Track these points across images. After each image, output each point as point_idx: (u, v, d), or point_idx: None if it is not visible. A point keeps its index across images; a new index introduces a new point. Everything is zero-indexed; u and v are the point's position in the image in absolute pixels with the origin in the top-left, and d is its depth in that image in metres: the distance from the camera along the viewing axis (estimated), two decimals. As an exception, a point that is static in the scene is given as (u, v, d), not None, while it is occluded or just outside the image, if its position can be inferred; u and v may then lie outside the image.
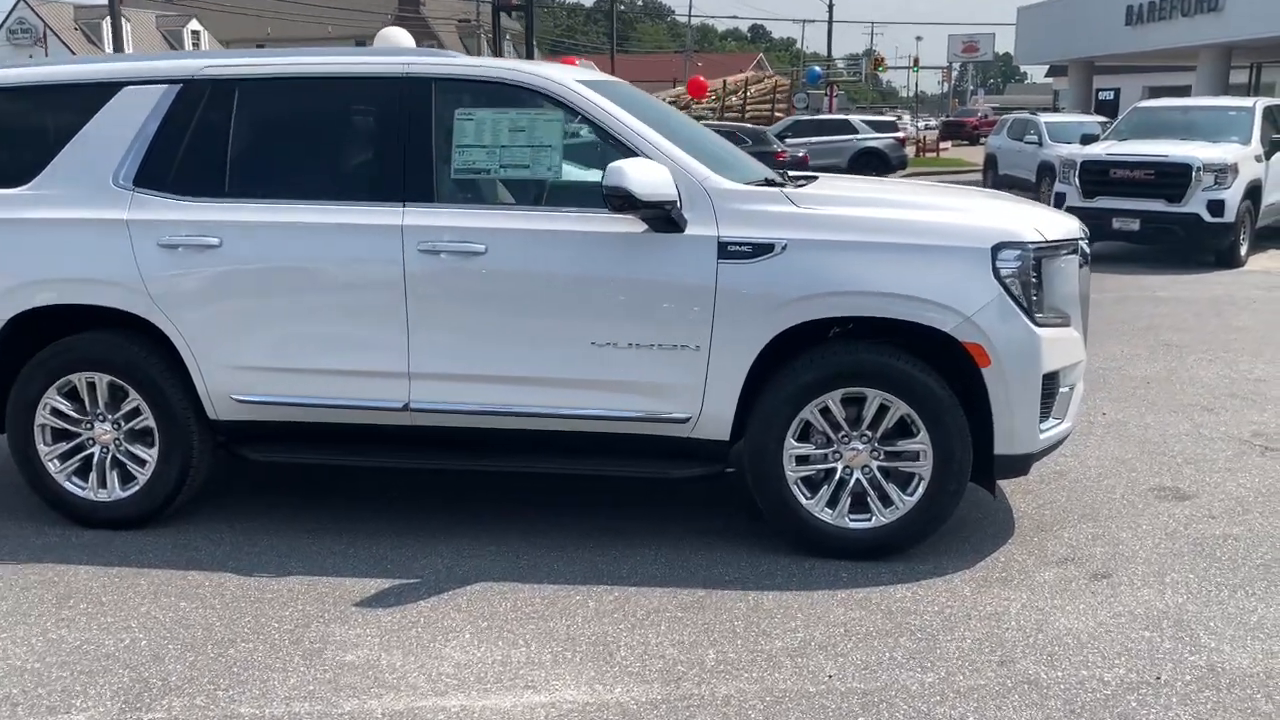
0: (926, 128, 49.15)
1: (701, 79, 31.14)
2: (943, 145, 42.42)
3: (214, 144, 4.34)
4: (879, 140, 27.04)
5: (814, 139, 26.14)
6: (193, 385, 4.37)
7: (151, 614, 3.77)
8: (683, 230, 4.04)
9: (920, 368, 4.00)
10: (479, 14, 59.01)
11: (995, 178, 20.92)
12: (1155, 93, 29.18)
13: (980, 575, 4.04)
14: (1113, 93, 36.60)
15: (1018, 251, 3.97)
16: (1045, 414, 4.15)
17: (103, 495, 4.50)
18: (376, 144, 4.31)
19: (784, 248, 4.01)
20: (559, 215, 4.15)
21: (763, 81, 36.83)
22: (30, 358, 4.46)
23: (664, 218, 4.00)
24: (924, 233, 4.01)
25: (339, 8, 63.13)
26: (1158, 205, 11.88)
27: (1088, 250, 4.46)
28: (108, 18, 46.32)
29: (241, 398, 4.36)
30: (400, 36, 12.52)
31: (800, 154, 22.66)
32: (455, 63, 4.33)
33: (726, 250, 4.02)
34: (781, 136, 26.09)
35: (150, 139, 4.37)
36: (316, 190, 4.30)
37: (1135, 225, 12.01)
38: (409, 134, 4.23)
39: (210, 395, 4.38)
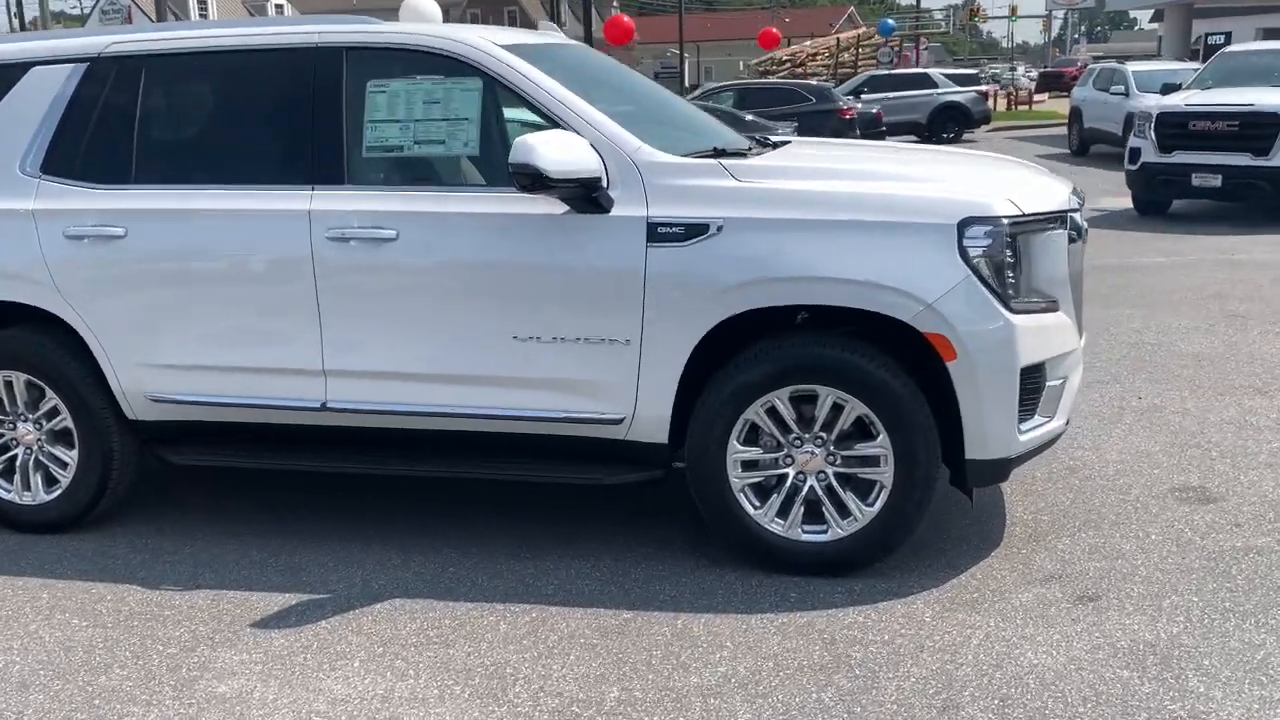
0: (1024, 77, 47.00)
1: (774, 30, 30.30)
2: (1038, 97, 40.64)
3: (121, 126, 4.05)
4: (960, 94, 25.88)
5: (890, 94, 25.14)
6: (108, 384, 4.12)
7: (39, 634, 3.53)
8: (608, 211, 3.61)
9: (878, 362, 3.51)
10: (559, -24, 58.36)
11: (1080, 131, 19.82)
12: (1271, 35, 27.23)
13: (948, 596, 3.56)
14: (1223, 37, 34.44)
15: (988, 228, 3.44)
16: (1028, 412, 3.62)
17: (26, 498, 4.30)
18: (286, 121, 3.96)
19: (720, 228, 3.55)
20: (475, 196, 3.76)
21: (847, 44, 35.61)
22: (-49, 355, 4.26)
23: (584, 197, 3.57)
24: (880, 208, 3.50)
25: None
26: (1242, 159, 10.92)
27: (1082, 222, 3.89)
28: (194, -6, 47.20)
29: (157, 396, 4.10)
30: (425, 6, 12.16)
31: (874, 110, 21.83)
32: (367, 29, 3.95)
33: (656, 232, 3.58)
34: (856, 93, 25.19)
35: (57, 123, 4.10)
36: (224, 174, 3.98)
37: (1217, 181, 11.07)
38: (319, 110, 3.88)
39: (125, 394, 4.12)
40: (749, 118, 14.94)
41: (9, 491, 4.31)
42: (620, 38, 21.56)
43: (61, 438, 4.24)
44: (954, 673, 3.10)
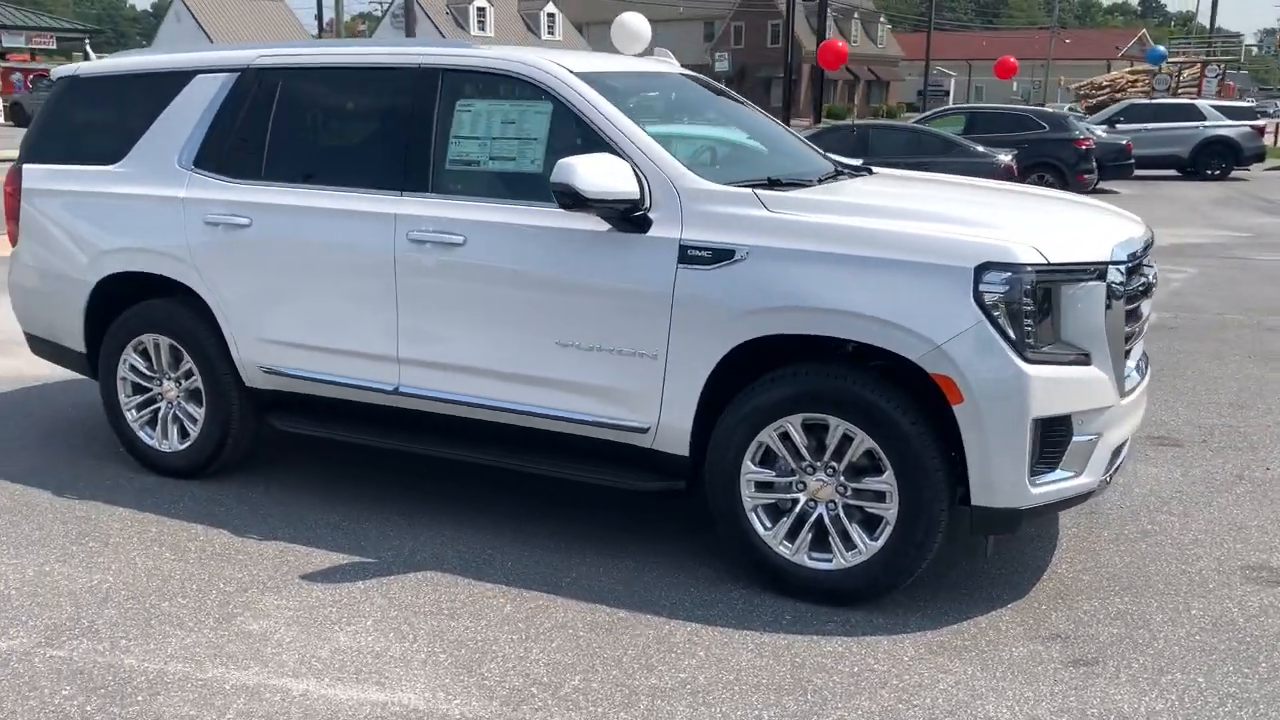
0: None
1: (1011, 60, 29.33)
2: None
3: (257, 129, 4.63)
4: (1230, 128, 23.99)
5: (1149, 125, 23.65)
6: (230, 353, 4.71)
7: (134, 560, 4.12)
8: (646, 231, 3.82)
9: (888, 398, 3.54)
10: (824, -8, 58.19)
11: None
12: None
13: (940, 640, 3.54)
14: None
15: (1007, 274, 3.40)
16: (1049, 465, 3.55)
17: (165, 446, 4.97)
18: (388, 133, 4.41)
19: (746, 255, 3.68)
20: (534, 210, 4.05)
21: (1129, 79, 33.78)
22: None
23: (623, 216, 3.80)
24: (900, 247, 3.53)
25: (691, -12, 64.69)
26: None
27: (1150, 276, 3.75)
28: (474, 2, 50.40)
29: (267, 368, 4.65)
30: (636, 22, 12.83)
31: (1123, 142, 20.65)
32: (461, 53, 4.33)
33: (687, 254, 3.76)
34: (1111, 122, 23.89)
35: (209, 124, 4.73)
36: (335, 177, 4.46)
37: None
38: (414, 124, 4.29)
39: (243, 363, 4.70)
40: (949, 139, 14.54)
41: (152, 438, 5.00)
42: (831, 62, 21.43)
43: (194, 396, 4.88)
44: (903, 712, 3.12)
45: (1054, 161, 17.08)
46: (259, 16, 51.57)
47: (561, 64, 4.18)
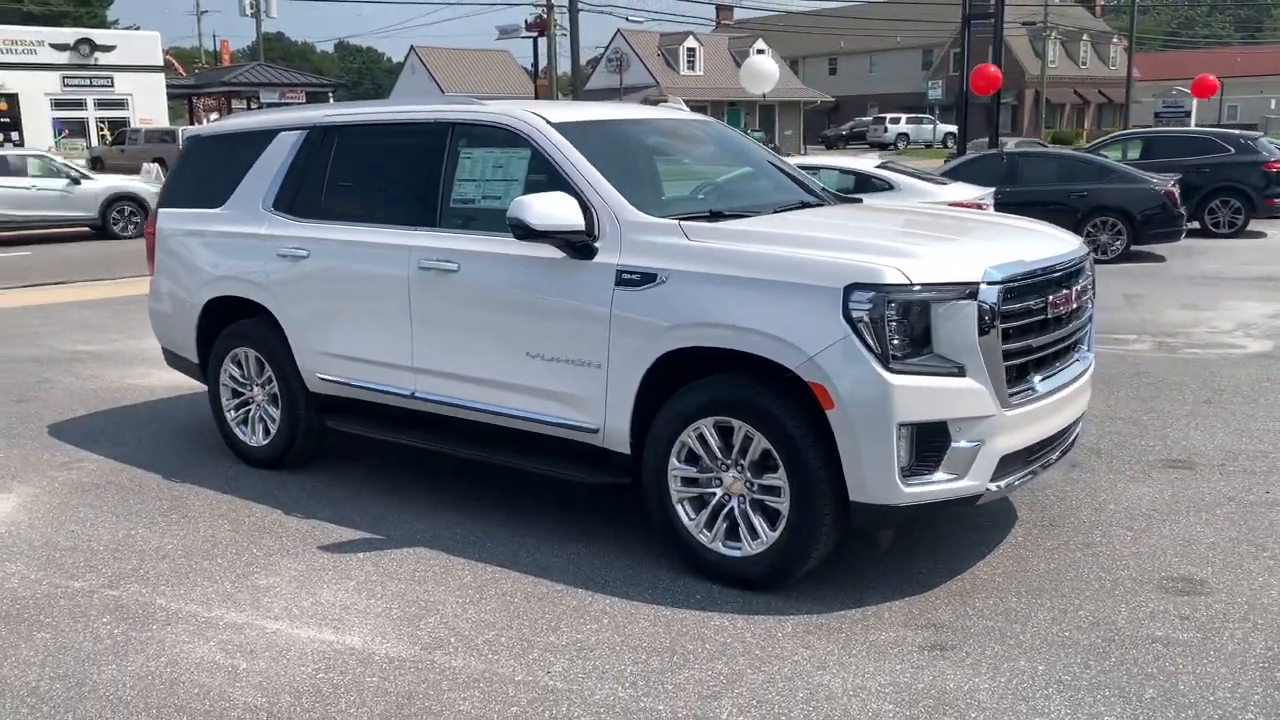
0: None
1: (1210, 78, 27.65)
2: None
3: (317, 176, 5.55)
4: None
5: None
6: (296, 363, 5.64)
7: (200, 529, 5.06)
8: (592, 258, 4.42)
9: (778, 404, 3.99)
10: (1046, 14, 56.29)
11: None
12: None
13: (821, 622, 3.93)
14: None
15: (872, 294, 3.79)
16: (928, 467, 3.89)
17: (252, 441, 5.95)
18: (411, 177, 5.20)
19: (666, 278, 4.23)
20: (509, 241, 4.69)
21: None
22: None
23: (572, 245, 4.42)
24: (787, 270, 3.99)
25: (907, 19, 63.99)
26: None
27: (1069, 296, 4.09)
28: (684, 43, 51.82)
29: (321, 375, 5.54)
30: (764, 65, 13.76)
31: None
32: (466, 109, 5.08)
33: (622, 278, 4.34)
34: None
35: (285, 173, 5.69)
36: (371, 213, 5.30)
37: None
38: (429, 169, 5.07)
39: (304, 372, 5.61)
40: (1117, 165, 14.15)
41: (244, 435, 5.99)
42: (983, 88, 20.99)
43: (273, 400, 5.84)
44: (747, 676, 3.56)
45: (1239, 185, 16.23)
46: (484, 66, 55.16)
47: (541, 115, 4.86)
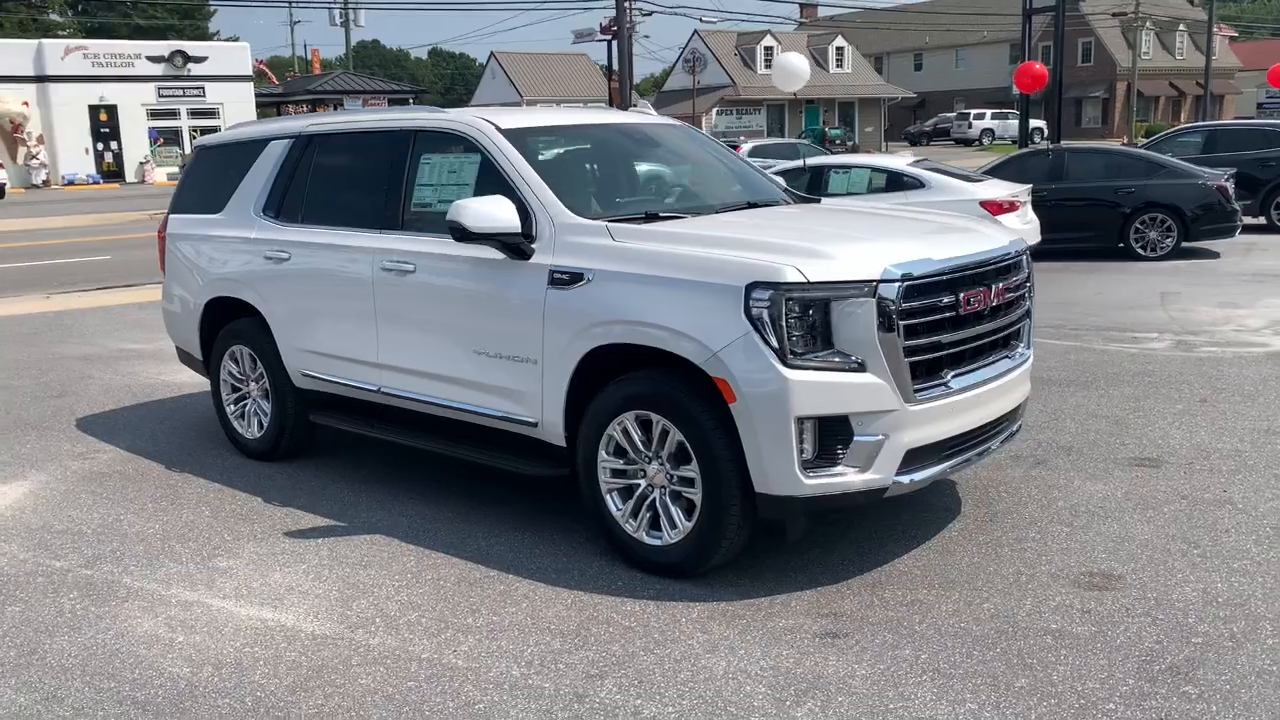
0: None
1: None
2: None
3: (298, 182, 5.85)
4: None
5: None
6: (282, 360, 5.95)
7: (182, 515, 5.39)
8: (528, 258, 4.62)
9: (689, 398, 4.13)
10: (1137, 4, 54.63)
11: None
12: None
13: (728, 609, 4.06)
14: None
15: (770, 292, 3.91)
16: (830, 460, 4.00)
17: (248, 434, 6.29)
18: (377, 182, 5.45)
19: (592, 277, 4.40)
20: (458, 244, 4.92)
21: None
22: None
23: (509, 246, 4.62)
24: (695, 270, 4.12)
25: (994, 13, 62.73)
26: None
27: (989, 292, 4.20)
28: (761, 42, 51.69)
29: (303, 371, 5.84)
30: (795, 63, 13.97)
31: None
32: (426, 117, 5.32)
33: (553, 277, 4.52)
34: None
35: (273, 179, 6.01)
36: (342, 218, 5.57)
37: None
38: (394, 175, 5.33)
39: (289, 368, 5.91)
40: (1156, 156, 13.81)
41: (241, 428, 6.34)
42: (1030, 85, 20.56)
43: (265, 395, 6.16)
44: (640, 657, 3.71)
45: (1304, 179, 15.68)
46: (562, 69, 55.82)
47: (492, 122, 5.07)
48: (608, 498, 4.49)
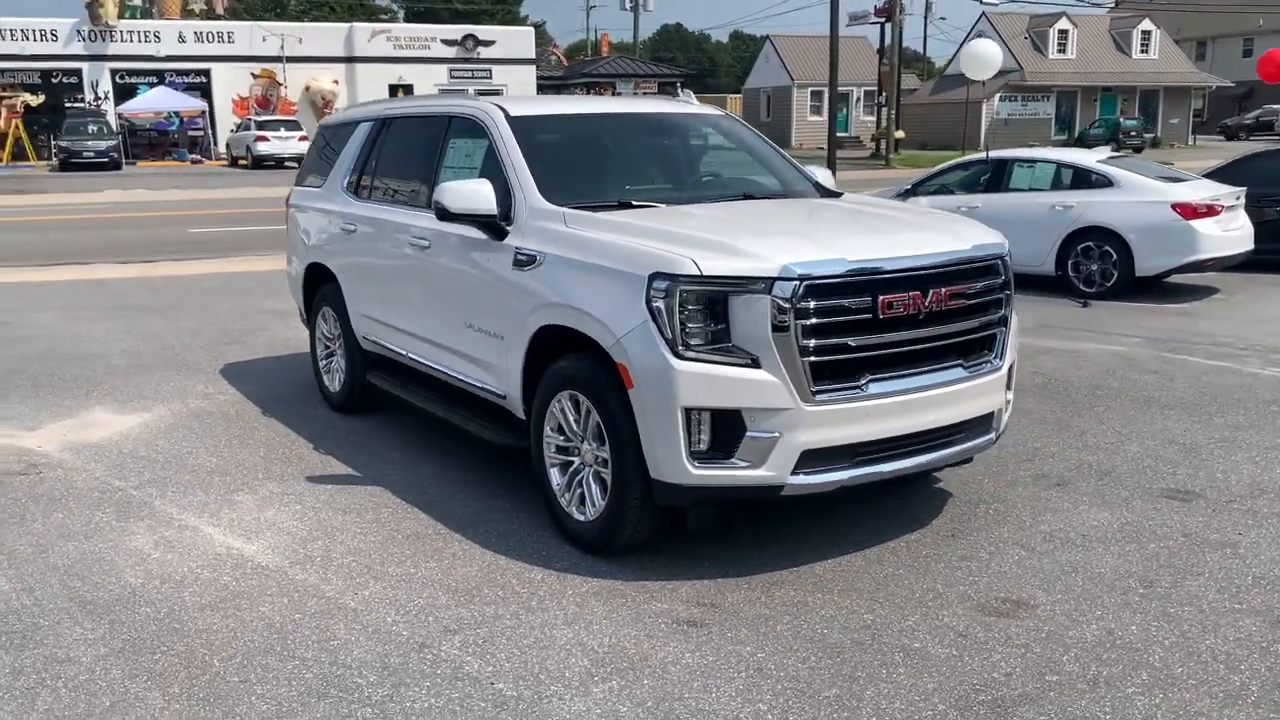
0: None
1: None
2: None
3: (370, 162, 6.40)
4: None
5: None
6: (350, 324, 6.54)
7: (241, 454, 6.07)
8: (503, 239, 4.89)
9: (605, 381, 4.27)
10: None
11: None
12: None
13: (617, 589, 4.18)
14: None
15: (667, 283, 3.98)
16: (723, 453, 4.04)
17: (332, 388, 6.96)
18: (420, 163, 5.88)
19: (543, 260, 4.62)
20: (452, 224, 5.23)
21: None
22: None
23: (485, 226, 4.91)
24: (615, 258, 4.25)
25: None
26: None
27: (922, 296, 4.12)
28: (1056, 24, 48.65)
29: (363, 334, 6.40)
30: (985, 50, 13.78)
31: None
32: (459, 103, 5.69)
33: (516, 258, 4.78)
34: None
35: (355, 158, 6.59)
36: (393, 195, 6.07)
37: None
38: (431, 157, 5.74)
39: (355, 331, 6.49)
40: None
41: (327, 381, 7.01)
42: (1272, 75, 18.11)
43: (342, 354, 6.80)
44: (506, 623, 3.92)
45: None
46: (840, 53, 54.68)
47: (503, 108, 5.35)
48: (550, 472, 4.70)
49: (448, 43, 43.51)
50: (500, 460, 5.77)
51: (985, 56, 14.53)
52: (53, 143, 36.62)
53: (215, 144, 41.24)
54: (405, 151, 6.15)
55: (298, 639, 3.83)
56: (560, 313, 4.48)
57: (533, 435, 4.77)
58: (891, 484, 4.96)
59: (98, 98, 40.24)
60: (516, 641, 3.78)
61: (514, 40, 44.99)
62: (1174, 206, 10.51)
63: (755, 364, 3.97)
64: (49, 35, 39.59)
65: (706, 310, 3.98)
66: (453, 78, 43.73)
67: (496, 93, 43.62)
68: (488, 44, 43.93)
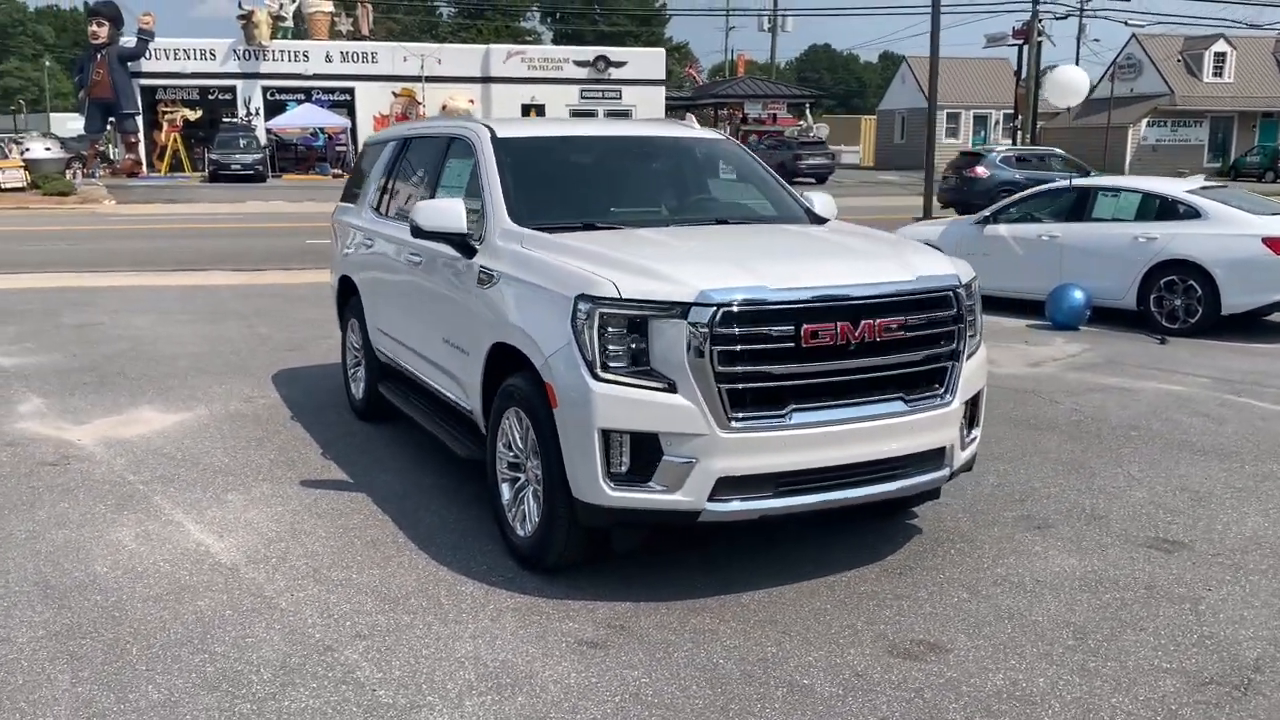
0: None
1: None
2: None
3: (390, 180, 6.63)
4: None
5: None
6: (368, 335, 6.78)
7: (252, 454, 6.35)
8: (471, 257, 5.01)
9: (539, 399, 4.32)
10: None
11: None
12: None
13: (535, 606, 4.22)
14: None
15: (588, 305, 4.02)
16: (641, 477, 4.05)
17: (356, 395, 7.22)
18: (424, 183, 6.07)
19: (498, 279, 4.72)
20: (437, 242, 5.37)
21: None
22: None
23: (458, 245, 5.04)
24: (550, 279, 4.32)
25: None
26: None
27: (851, 326, 4.05)
28: (1212, 47, 46.42)
29: (376, 346, 6.62)
30: (1070, 76, 13.54)
31: None
32: (456, 125, 5.85)
33: (479, 276, 4.89)
34: None
35: (380, 176, 6.85)
36: (401, 213, 6.26)
37: None
38: (433, 176, 5.93)
39: (373, 343, 6.73)
40: None
41: (353, 389, 7.27)
42: None
43: (364, 363, 7.05)
44: (410, 627, 4.02)
45: None
46: (975, 74, 53.41)
47: (490, 129, 5.49)
48: (501, 487, 4.78)
49: (580, 64, 44.34)
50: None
51: (1068, 83, 13.98)
52: (206, 155, 38.84)
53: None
54: (414, 170, 6.35)
55: (218, 634, 4.00)
56: (507, 330, 4.57)
57: (489, 450, 4.86)
58: (856, 515, 4.89)
59: (249, 113, 42.51)
60: (417, 651, 3.86)
61: (645, 61, 45.51)
62: (1265, 241, 9.92)
63: (672, 388, 3.96)
64: (208, 54, 42.08)
65: (627, 333, 4.00)
66: (583, 98, 44.53)
67: (626, 114, 44.28)
68: (619, 65, 44.57)
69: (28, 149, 34.42)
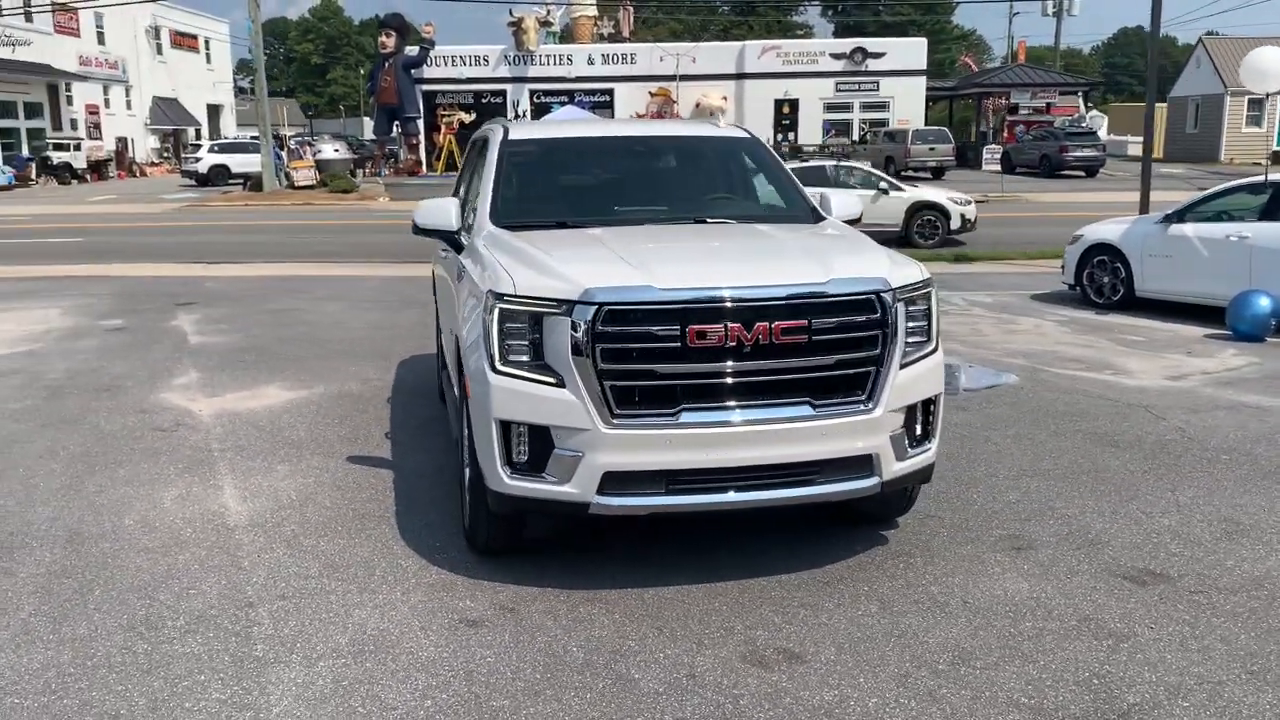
0: None
1: None
2: None
3: (466, 179, 7.04)
4: None
5: None
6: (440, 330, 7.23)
7: (315, 430, 6.95)
8: (460, 253, 5.31)
9: (463, 388, 4.56)
10: None
11: None
12: None
13: (455, 584, 4.46)
14: None
15: (493, 300, 4.21)
16: (535, 468, 4.20)
17: (441, 383, 7.72)
18: (469, 182, 6.41)
19: (464, 274, 4.99)
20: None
21: None
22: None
23: (450, 241, 5.36)
24: (480, 275, 4.52)
25: None
26: None
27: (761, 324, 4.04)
28: None
29: (442, 335, 7.07)
30: (1262, 61, 12.69)
31: None
32: (490, 125, 6.15)
33: (458, 271, 5.18)
34: None
35: (463, 175, 7.27)
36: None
37: None
38: (474, 174, 6.27)
39: (441, 331, 7.18)
40: None
41: (442, 380, 7.77)
42: None
43: (444, 351, 7.51)
44: (316, 591, 4.36)
45: None
46: None
47: (505, 129, 5.75)
48: (464, 471, 5.03)
49: (836, 56, 43.67)
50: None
51: (1265, 67, 12.37)
52: (474, 155, 41.46)
53: (613, 156, 44.43)
54: (471, 169, 6.73)
55: (170, 585, 4.52)
56: (458, 323, 4.83)
57: (461, 438, 5.14)
58: (826, 521, 4.83)
59: (518, 115, 44.95)
60: (316, 615, 4.20)
61: (905, 51, 44.15)
62: None
63: (561, 384, 4.08)
64: (481, 60, 44.86)
65: (529, 329, 4.15)
66: (838, 91, 43.85)
67: (883, 105, 43.26)
68: (877, 56, 43.52)
69: (319, 150, 38.22)
